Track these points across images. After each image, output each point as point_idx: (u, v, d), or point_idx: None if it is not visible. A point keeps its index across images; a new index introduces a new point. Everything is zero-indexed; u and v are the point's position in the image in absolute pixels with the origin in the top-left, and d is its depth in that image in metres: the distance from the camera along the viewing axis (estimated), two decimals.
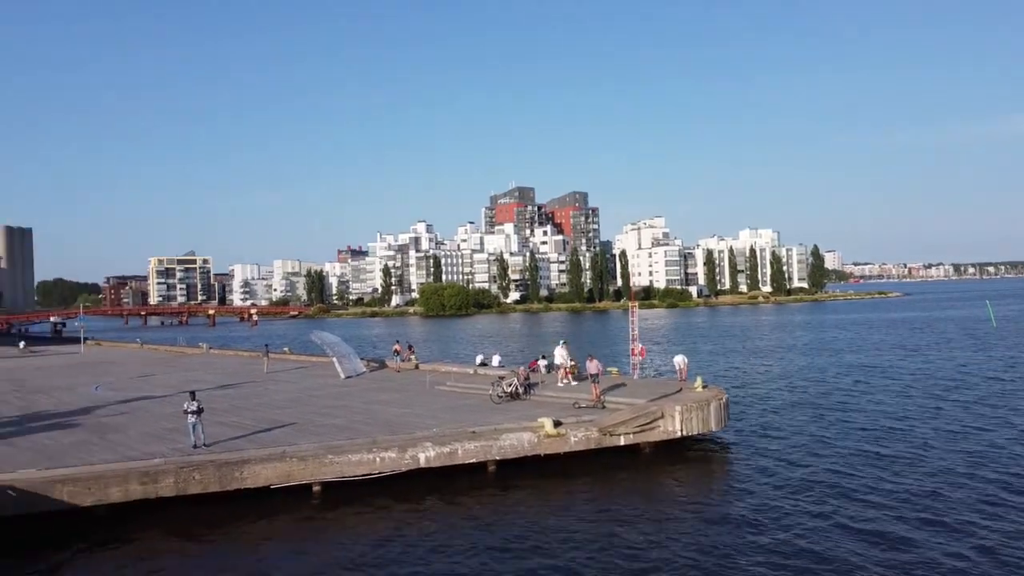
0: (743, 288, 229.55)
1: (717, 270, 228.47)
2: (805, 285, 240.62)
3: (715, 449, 26.37)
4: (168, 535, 18.33)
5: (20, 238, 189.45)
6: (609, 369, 34.75)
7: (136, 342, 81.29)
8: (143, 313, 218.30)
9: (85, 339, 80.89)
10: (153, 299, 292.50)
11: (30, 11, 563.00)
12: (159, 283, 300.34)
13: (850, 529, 17.59)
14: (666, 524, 18.26)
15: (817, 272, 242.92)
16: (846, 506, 19.34)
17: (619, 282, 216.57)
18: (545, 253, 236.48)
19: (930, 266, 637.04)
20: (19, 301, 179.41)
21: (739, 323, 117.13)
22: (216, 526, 18.87)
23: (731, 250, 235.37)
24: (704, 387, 29.04)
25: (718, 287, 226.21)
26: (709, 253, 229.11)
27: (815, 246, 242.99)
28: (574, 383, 31.85)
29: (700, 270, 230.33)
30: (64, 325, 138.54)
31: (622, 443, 24.44)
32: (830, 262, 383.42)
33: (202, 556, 17.08)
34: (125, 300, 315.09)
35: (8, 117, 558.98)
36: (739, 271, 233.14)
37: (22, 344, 79.75)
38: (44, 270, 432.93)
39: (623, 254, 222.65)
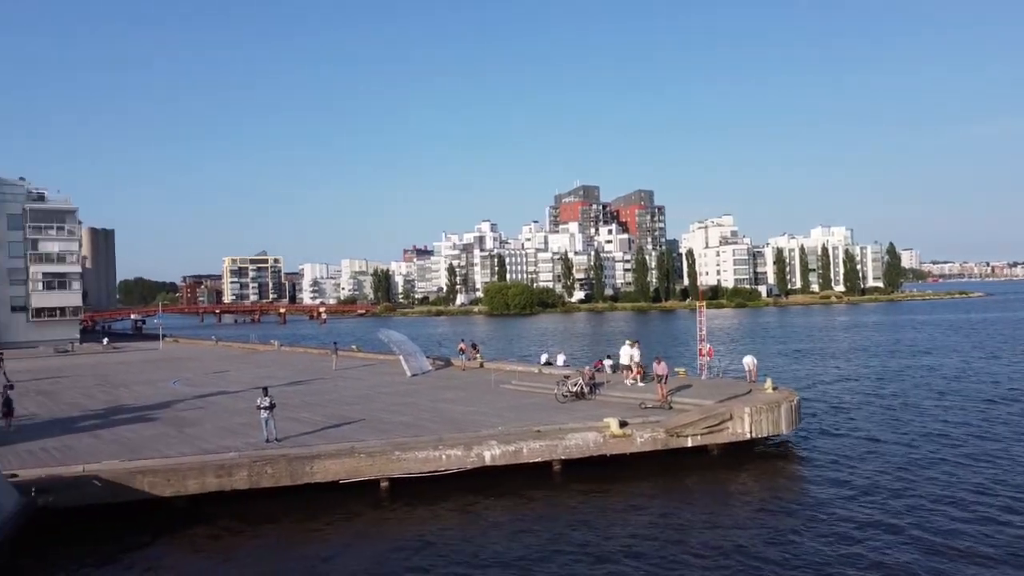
0: (815, 288, 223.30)
1: (787, 269, 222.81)
2: (880, 285, 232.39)
3: (785, 452, 25.76)
4: (241, 526, 18.90)
5: (104, 239, 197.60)
6: (676, 370, 34.28)
7: (211, 339, 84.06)
8: (217, 311, 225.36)
9: (163, 336, 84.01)
10: (227, 297, 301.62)
11: (107, 11, 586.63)
12: (232, 282, 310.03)
13: (925, 542, 16.90)
14: (733, 529, 17.91)
15: (893, 271, 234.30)
16: (920, 517, 18.61)
17: (686, 281, 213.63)
18: (610, 252, 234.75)
19: (1015, 264, 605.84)
20: (103, 299, 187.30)
21: (810, 324, 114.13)
22: (286, 519, 19.37)
23: (802, 248, 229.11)
24: (774, 388, 28.38)
25: (788, 287, 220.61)
26: (779, 252, 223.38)
27: (891, 244, 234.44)
28: (641, 383, 31.53)
29: (769, 269, 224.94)
30: (144, 322, 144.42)
31: (689, 444, 24.09)
32: (907, 260, 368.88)
33: (273, 548, 17.54)
34: (201, 298, 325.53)
35: (90, 122, 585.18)
36: (811, 270, 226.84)
37: (106, 340, 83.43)
38: (125, 269, 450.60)
39: (690, 253, 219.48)
